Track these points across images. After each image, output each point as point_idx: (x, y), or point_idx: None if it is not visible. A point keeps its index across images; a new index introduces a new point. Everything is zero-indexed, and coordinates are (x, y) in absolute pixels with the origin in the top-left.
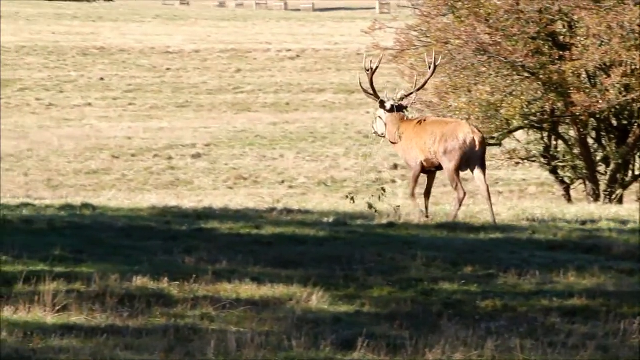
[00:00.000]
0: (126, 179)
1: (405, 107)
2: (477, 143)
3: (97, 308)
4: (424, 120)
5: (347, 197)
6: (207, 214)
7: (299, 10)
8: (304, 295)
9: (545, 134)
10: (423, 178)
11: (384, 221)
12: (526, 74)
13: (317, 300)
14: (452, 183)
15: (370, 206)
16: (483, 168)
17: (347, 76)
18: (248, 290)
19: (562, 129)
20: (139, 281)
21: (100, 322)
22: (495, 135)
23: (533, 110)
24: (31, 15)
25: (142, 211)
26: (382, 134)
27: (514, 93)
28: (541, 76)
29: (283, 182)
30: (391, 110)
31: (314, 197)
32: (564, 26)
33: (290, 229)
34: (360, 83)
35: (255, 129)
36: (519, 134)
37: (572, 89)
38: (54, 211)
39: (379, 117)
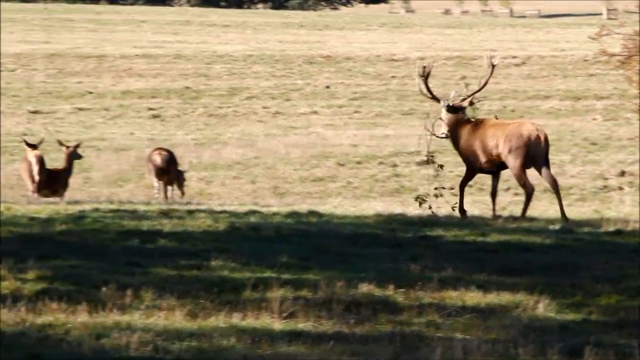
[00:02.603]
0: (351, 187)
1: (464, 109)
2: (541, 140)
3: (323, 315)
4: (484, 122)
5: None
6: (432, 221)
7: (524, 16)
8: (530, 302)
9: None
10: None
11: (611, 228)
12: None
13: (543, 308)
14: (519, 180)
15: (420, 202)
16: (548, 164)
17: (573, 83)
18: (474, 297)
19: None
20: (364, 288)
21: (327, 328)
22: None
23: None
24: (258, 24)
25: (368, 218)
26: (445, 135)
27: None
28: None
29: (508, 189)
30: (451, 111)
31: (539, 204)
32: None
33: (516, 236)
34: (420, 88)
35: None
36: None
37: None
38: (280, 218)
39: (441, 118)
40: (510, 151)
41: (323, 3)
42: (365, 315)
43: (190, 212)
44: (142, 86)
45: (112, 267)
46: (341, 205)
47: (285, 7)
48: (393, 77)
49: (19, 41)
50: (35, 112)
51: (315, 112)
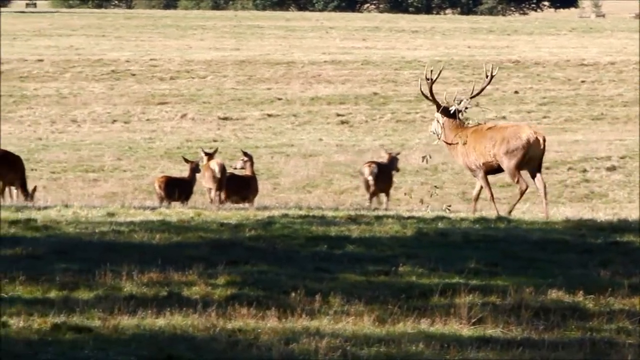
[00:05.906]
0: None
1: (460, 112)
2: (540, 143)
3: (512, 321)
4: (482, 127)
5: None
6: (623, 227)
7: None
8: None
9: None
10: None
11: None
12: None
13: None
14: (513, 179)
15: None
16: (540, 168)
17: None
18: None
19: None
20: (553, 294)
21: (516, 335)
22: None
23: None
24: (447, 29)
25: (557, 224)
26: (438, 135)
27: None
28: None
29: None
30: (449, 115)
31: None
32: None
33: None
34: (420, 89)
35: None
36: None
37: None
38: (468, 224)
39: (437, 119)
40: (506, 152)
41: (512, 8)
42: (554, 322)
43: (378, 218)
44: (330, 92)
45: (301, 273)
46: (530, 211)
47: (474, 13)
48: (583, 81)
49: (209, 48)
50: (225, 119)
51: (503, 117)
